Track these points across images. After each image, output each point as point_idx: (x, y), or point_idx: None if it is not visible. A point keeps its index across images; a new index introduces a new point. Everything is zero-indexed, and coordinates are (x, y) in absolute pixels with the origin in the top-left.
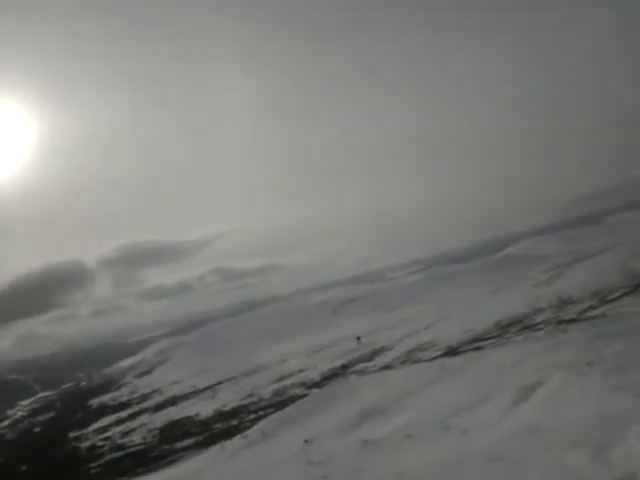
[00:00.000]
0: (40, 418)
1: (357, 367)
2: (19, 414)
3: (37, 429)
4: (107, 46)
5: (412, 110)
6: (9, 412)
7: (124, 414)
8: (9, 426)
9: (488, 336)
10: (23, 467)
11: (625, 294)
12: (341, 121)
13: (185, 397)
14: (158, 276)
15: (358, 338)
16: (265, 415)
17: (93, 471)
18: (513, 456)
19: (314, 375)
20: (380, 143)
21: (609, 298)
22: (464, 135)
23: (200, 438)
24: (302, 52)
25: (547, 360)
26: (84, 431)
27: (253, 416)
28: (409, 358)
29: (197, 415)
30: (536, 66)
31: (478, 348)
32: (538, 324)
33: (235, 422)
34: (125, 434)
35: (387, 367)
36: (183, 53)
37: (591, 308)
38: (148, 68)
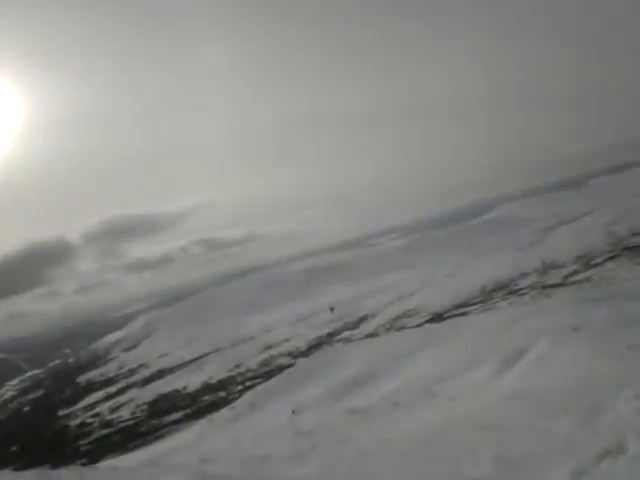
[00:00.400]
0: (29, 397)
1: (342, 335)
2: (8, 394)
3: (26, 408)
4: (92, 22)
5: (393, 75)
6: None
7: (112, 389)
8: None
9: (473, 302)
10: (13, 448)
11: (609, 258)
12: (319, 88)
13: (172, 370)
14: (141, 249)
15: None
16: (252, 386)
17: (83, 448)
18: (500, 423)
19: (300, 344)
20: (361, 110)
21: (593, 262)
22: (447, 102)
23: (189, 411)
24: (280, 16)
25: (533, 325)
26: (73, 408)
27: (240, 387)
28: (394, 325)
29: (185, 388)
30: (518, 26)
31: (463, 314)
32: (523, 289)
33: (223, 394)
34: (114, 410)
35: (372, 335)
36: (163, 24)
37: (576, 272)
38: (131, 41)
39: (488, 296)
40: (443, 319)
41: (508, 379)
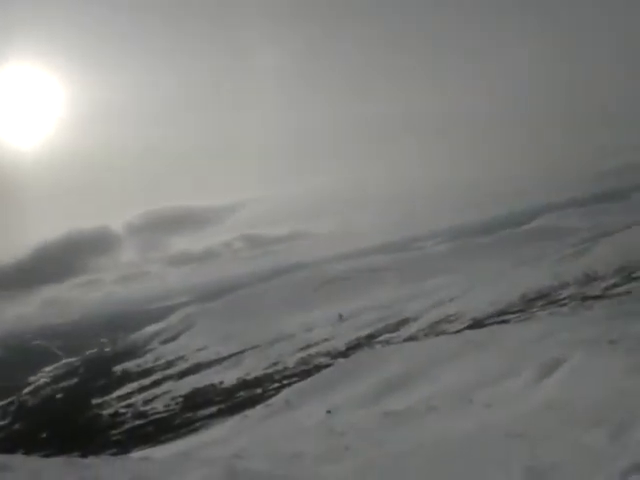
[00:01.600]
0: (63, 384)
1: (382, 337)
2: (42, 380)
3: (59, 395)
4: (138, 14)
5: (439, 85)
6: (32, 379)
7: (147, 381)
8: (31, 392)
9: (513, 310)
10: (44, 434)
11: None
12: (371, 89)
13: (209, 365)
14: (184, 242)
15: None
16: (289, 384)
17: (114, 438)
18: (533, 432)
19: (339, 344)
20: (408, 114)
21: (634, 276)
22: (491, 110)
23: (223, 406)
24: (332, 21)
25: (570, 336)
26: (107, 398)
27: (277, 385)
28: (434, 330)
29: (221, 383)
30: (562, 45)
31: (503, 322)
32: (563, 299)
33: (259, 391)
34: (148, 401)
35: (412, 338)
36: (213, 20)
37: (616, 285)
38: (179, 37)
39: (528, 305)
40: (483, 326)
41: (543, 389)
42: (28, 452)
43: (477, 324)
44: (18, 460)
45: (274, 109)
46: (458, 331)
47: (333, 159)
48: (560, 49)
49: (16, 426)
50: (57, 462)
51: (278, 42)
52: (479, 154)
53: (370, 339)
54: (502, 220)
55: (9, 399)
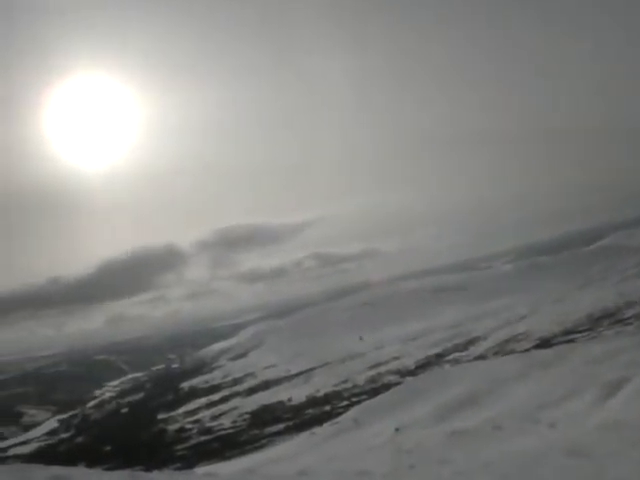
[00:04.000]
0: (128, 399)
1: (451, 356)
2: (107, 394)
3: (125, 410)
4: (216, 33)
5: (501, 99)
6: (96, 392)
7: (215, 397)
8: (96, 406)
9: (579, 329)
10: (107, 447)
11: None
12: (438, 108)
13: (278, 382)
14: (253, 260)
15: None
16: (358, 402)
17: (179, 453)
18: (597, 452)
19: (409, 363)
20: (473, 132)
21: None
22: (554, 126)
23: (291, 424)
24: (400, 35)
25: (635, 356)
26: (173, 413)
27: (346, 403)
28: (502, 349)
29: (289, 400)
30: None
31: (569, 341)
32: (628, 318)
33: (327, 408)
34: (215, 417)
35: (480, 357)
36: (279, 38)
37: None
38: (248, 53)
39: (595, 324)
40: (550, 345)
41: (607, 408)
42: (90, 465)
43: (544, 343)
44: (79, 472)
45: (345, 125)
46: (525, 350)
47: (404, 175)
48: (622, 61)
49: (79, 439)
50: (120, 475)
51: (347, 56)
52: (553, 167)
53: (439, 358)
54: (570, 238)
55: (73, 412)
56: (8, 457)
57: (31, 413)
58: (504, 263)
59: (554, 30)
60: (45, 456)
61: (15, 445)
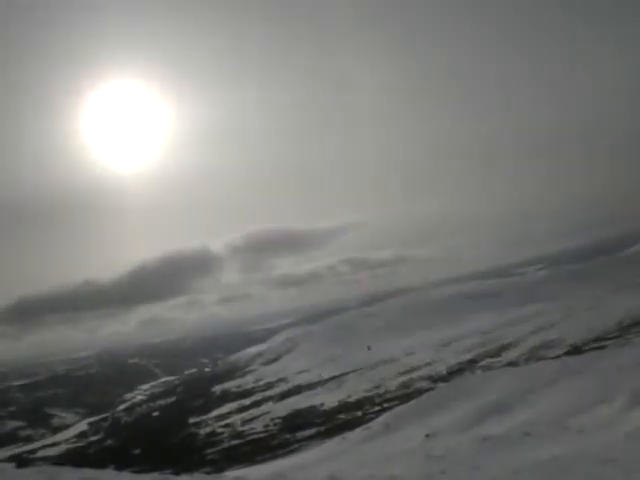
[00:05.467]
0: (160, 402)
1: (483, 362)
2: (138, 398)
3: (156, 413)
4: (246, 43)
5: (537, 105)
6: (127, 396)
7: (247, 401)
8: (126, 409)
9: (610, 336)
10: (137, 450)
11: None
12: (472, 119)
13: (310, 387)
14: (287, 265)
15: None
16: (390, 407)
17: (210, 457)
18: (625, 459)
19: (441, 368)
20: (505, 141)
21: None
22: (590, 133)
23: (322, 428)
24: (434, 45)
25: None
26: (204, 417)
27: (377, 408)
28: (534, 355)
29: (321, 405)
30: None
31: (600, 347)
32: None
33: (359, 413)
34: (247, 421)
35: (512, 363)
36: (314, 44)
37: None
38: (285, 61)
39: (624, 331)
40: (581, 352)
41: (636, 416)
42: (119, 468)
43: (575, 350)
44: (108, 475)
45: (378, 130)
46: (557, 357)
47: (439, 182)
48: None
49: (108, 442)
50: (148, 478)
51: (385, 60)
52: (586, 175)
53: (472, 364)
54: (602, 245)
55: (103, 415)
56: (37, 459)
57: (61, 415)
58: (537, 270)
59: (587, 36)
60: (74, 459)
61: (44, 447)
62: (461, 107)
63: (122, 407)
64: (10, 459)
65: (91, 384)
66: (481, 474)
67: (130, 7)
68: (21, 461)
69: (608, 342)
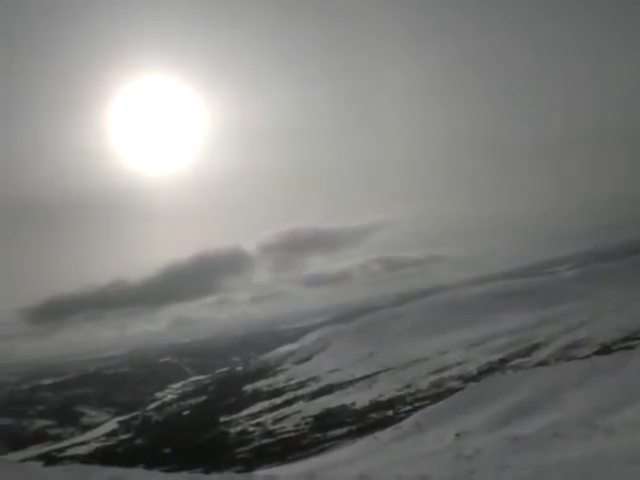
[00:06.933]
0: (190, 401)
1: (514, 362)
2: (169, 397)
3: (186, 412)
4: (281, 40)
5: (564, 106)
6: (158, 395)
7: (279, 400)
8: (157, 408)
9: (639, 336)
10: (167, 449)
11: None
12: (506, 117)
13: (342, 386)
14: (318, 264)
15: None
16: (421, 407)
17: (240, 456)
18: None
19: (472, 368)
20: (534, 140)
21: None
22: (618, 132)
23: (353, 428)
24: (470, 45)
25: None
26: (235, 416)
27: (409, 407)
28: (564, 355)
29: (353, 404)
30: None
31: (629, 347)
32: None
33: (390, 413)
34: (277, 420)
35: (542, 363)
36: (348, 45)
37: None
38: (315, 60)
39: None
40: (610, 351)
41: None
42: (149, 467)
43: (604, 350)
44: (136, 474)
45: (411, 128)
46: (586, 357)
47: (471, 182)
48: None
49: (138, 440)
50: (178, 477)
51: (414, 60)
52: (617, 173)
53: (502, 363)
54: (633, 245)
55: (133, 414)
56: (65, 457)
57: (91, 414)
58: (567, 269)
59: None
60: (103, 457)
61: (73, 446)
62: (489, 107)
63: (153, 406)
64: (38, 458)
65: (121, 383)
66: (510, 474)
67: None
68: (49, 459)
69: (637, 342)
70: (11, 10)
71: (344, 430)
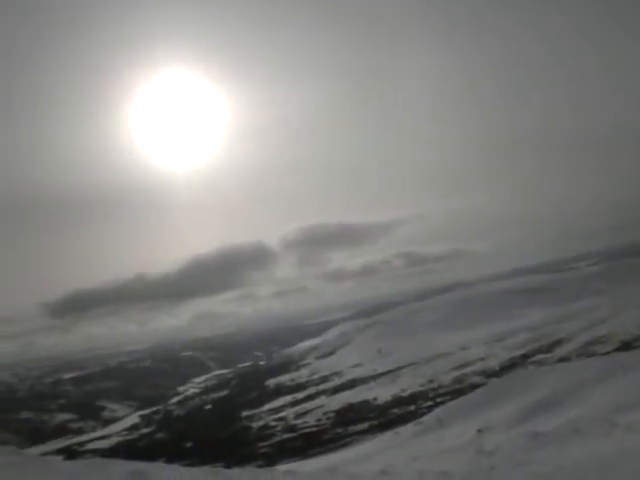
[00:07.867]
0: (213, 395)
1: (536, 358)
2: (191, 391)
3: (208, 406)
4: (301, 35)
5: (589, 103)
6: (180, 389)
7: (301, 395)
8: (179, 402)
9: None
10: (188, 444)
11: None
12: (528, 112)
13: (364, 381)
14: (341, 259)
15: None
16: (443, 402)
17: (262, 450)
18: None
19: (494, 364)
20: (559, 136)
21: None
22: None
23: (375, 423)
24: (491, 37)
25: None
26: (257, 410)
27: (430, 403)
28: (585, 351)
29: (375, 399)
30: None
31: None
32: None
33: (412, 408)
34: (300, 415)
35: (564, 359)
36: (372, 43)
37: None
38: (339, 55)
39: None
40: (631, 348)
41: None
42: (170, 461)
43: (625, 346)
44: (157, 468)
45: (433, 123)
46: (607, 353)
47: (494, 177)
48: None
49: (160, 435)
50: (199, 472)
51: (441, 55)
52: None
53: (524, 359)
54: None
55: (155, 408)
56: (86, 451)
57: (112, 408)
58: (590, 265)
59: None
60: (124, 451)
61: (94, 439)
62: (517, 101)
63: (175, 400)
64: (59, 452)
65: (144, 377)
66: (530, 470)
67: None
68: (70, 453)
69: None
70: (31, 9)
71: (366, 425)
